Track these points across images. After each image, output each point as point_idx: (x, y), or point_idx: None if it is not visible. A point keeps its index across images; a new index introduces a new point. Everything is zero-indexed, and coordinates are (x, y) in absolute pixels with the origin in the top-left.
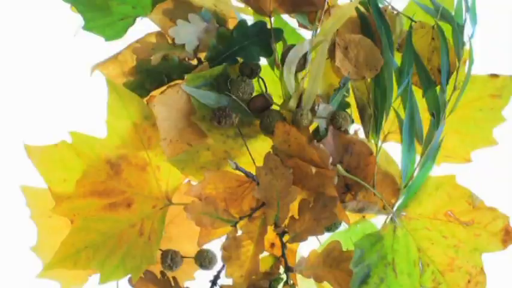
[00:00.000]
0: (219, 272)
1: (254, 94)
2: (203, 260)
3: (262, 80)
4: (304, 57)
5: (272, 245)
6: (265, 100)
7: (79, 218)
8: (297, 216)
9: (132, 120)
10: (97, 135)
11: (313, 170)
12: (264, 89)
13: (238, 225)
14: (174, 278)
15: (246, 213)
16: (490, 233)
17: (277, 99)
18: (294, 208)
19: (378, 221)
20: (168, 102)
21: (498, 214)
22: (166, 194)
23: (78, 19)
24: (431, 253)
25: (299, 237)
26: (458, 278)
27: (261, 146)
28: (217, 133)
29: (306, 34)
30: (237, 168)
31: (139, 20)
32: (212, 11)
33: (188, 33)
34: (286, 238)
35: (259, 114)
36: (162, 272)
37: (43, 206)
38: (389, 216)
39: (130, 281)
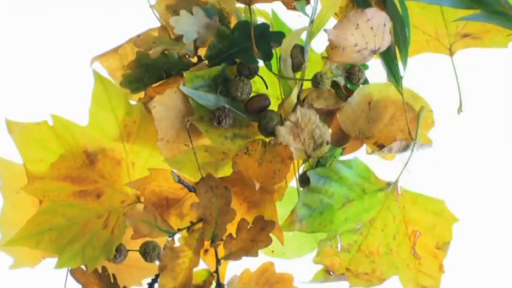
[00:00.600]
0: (157, 276)
1: (252, 94)
2: (147, 246)
3: (262, 78)
4: (302, 53)
5: (206, 251)
6: (262, 101)
7: (48, 199)
8: (234, 235)
9: (115, 114)
10: (78, 122)
11: (257, 185)
12: (261, 90)
13: (176, 237)
14: (113, 275)
15: (185, 216)
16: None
17: (274, 101)
18: (232, 226)
19: None
20: (166, 103)
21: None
22: (136, 191)
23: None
24: None
25: (234, 256)
26: None
27: None
28: (215, 134)
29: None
30: (179, 181)
31: (142, 15)
32: (216, 8)
33: (188, 25)
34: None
35: (257, 115)
36: (103, 267)
37: (14, 180)
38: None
39: (71, 271)
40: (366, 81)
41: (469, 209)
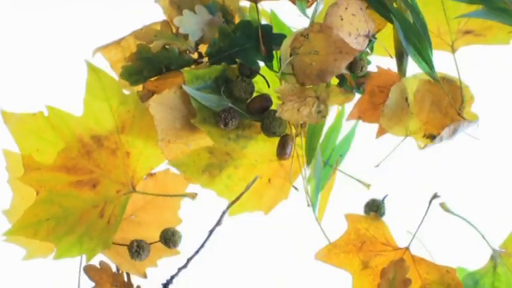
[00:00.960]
0: (172, 277)
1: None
2: (166, 234)
3: (264, 77)
4: None
5: None
6: (264, 101)
7: (45, 190)
8: None
9: (109, 103)
10: (73, 113)
11: None
12: (263, 90)
13: None
14: (127, 274)
15: None
16: None
17: (276, 100)
18: None
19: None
20: (165, 103)
21: None
22: (132, 181)
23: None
24: None
25: None
26: None
27: (262, 147)
28: (218, 135)
29: None
30: None
31: (142, 15)
32: (220, 4)
33: (193, 23)
34: None
35: (260, 115)
36: (117, 267)
37: (21, 172)
38: (490, 254)
39: (85, 268)
40: (366, 74)
41: (469, 208)
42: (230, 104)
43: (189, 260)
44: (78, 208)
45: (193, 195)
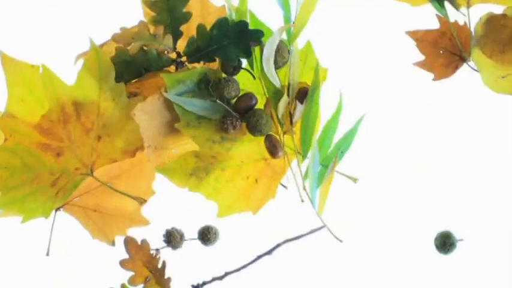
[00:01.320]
0: (204, 283)
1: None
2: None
3: (250, 72)
4: (285, 50)
5: None
6: (249, 100)
7: (13, 139)
8: None
9: (100, 84)
10: (65, 80)
11: None
12: (246, 87)
13: None
14: (163, 261)
15: None
16: None
17: (260, 99)
18: None
19: None
20: (149, 110)
21: None
22: (92, 165)
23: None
24: None
25: None
26: None
27: (247, 148)
28: (203, 139)
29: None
30: None
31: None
32: None
33: None
34: None
35: (245, 114)
36: (157, 249)
37: None
38: None
39: (125, 240)
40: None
41: (469, 207)
42: (211, 107)
43: (226, 273)
44: (36, 169)
45: (141, 201)
